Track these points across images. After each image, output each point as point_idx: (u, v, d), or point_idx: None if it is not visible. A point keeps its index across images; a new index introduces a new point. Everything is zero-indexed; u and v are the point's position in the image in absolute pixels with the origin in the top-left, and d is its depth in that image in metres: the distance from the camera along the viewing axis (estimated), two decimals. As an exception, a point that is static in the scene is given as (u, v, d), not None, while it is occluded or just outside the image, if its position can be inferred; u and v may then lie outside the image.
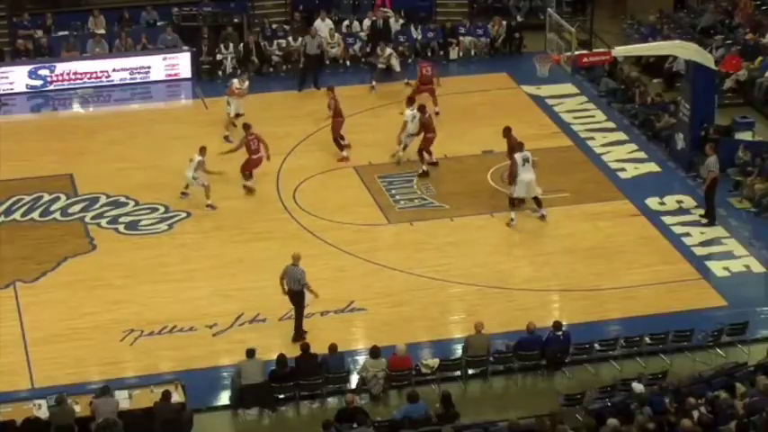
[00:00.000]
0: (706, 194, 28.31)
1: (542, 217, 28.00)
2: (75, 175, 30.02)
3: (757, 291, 26.05)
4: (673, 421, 19.59)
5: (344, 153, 30.62)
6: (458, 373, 23.07)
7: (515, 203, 27.98)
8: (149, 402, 21.22)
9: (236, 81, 32.28)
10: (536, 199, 28.01)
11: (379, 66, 34.98)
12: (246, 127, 29.05)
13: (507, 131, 29.07)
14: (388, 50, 35.10)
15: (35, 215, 28.39)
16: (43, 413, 20.89)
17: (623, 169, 30.61)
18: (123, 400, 21.26)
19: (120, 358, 23.64)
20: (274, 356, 22.42)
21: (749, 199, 28.98)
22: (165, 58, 35.38)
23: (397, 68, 34.88)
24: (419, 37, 37.13)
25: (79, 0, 38.09)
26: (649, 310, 24.95)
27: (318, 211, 28.23)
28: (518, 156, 27.74)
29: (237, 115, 31.72)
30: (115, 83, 35.15)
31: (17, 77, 34.66)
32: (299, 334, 23.86)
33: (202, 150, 28.28)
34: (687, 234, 27.76)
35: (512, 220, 27.89)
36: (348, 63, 36.53)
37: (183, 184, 28.67)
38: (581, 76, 35.19)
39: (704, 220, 28.12)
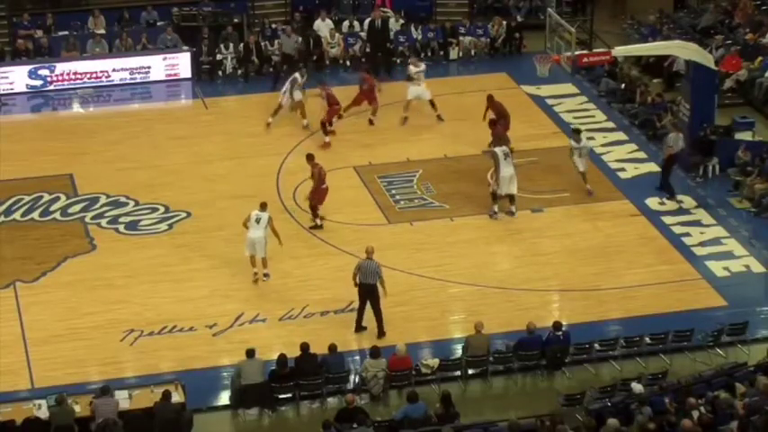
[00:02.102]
0: (662, 169, 28.91)
1: (511, 213, 28.10)
2: (75, 175, 30.02)
3: (757, 291, 26.05)
4: (673, 421, 19.60)
5: (327, 139, 31.03)
6: (458, 373, 23.08)
7: (498, 197, 28.12)
8: (149, 402, 21.22)
9: None
10: (511, 196, 28.07)
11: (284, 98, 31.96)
12: (310, 158, 27.78)
13: (490, 99, 29.12)
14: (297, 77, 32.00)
15: (35, 215, 28.39)
16: (43, 413, 20.90)
17: (623, 169, 30.62)
18: (123, 400, 21.27)
19: (120, 358, 23.64)
20: (274, 356, 22.44)
21: (749, 199, 29.00)
22: (165, 58, 35.37)
23: (298, 97, 31.84)
24: (419, 37, 37.11)
25: (79, 0, 38.10)
26: (649, 310, 24.96)
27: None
28: (499, 150, 27.88)
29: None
30: (115, 83, 35.14)
31: (17, 77, 34.64)
32: (382, 329, 24.03)
33: (264, 206, 25.69)
34: (687, 234, 27.77)
35: (495, 212, 28.02)
36: (348, 63, 36.52)
37: (243, 253, 25.69)
38: (581, 76, 35.19)
39: (666, 200, 28.77)
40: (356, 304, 24.60)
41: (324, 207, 27.80)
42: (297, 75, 31.82)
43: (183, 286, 25.78)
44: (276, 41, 35.77)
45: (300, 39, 35.90)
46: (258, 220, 25.41)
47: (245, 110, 33.85)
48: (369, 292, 23.87)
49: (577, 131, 29.33)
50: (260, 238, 25.42)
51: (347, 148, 31.13)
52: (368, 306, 24.05)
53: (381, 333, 23.99)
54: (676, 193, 29.00)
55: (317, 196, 27.48)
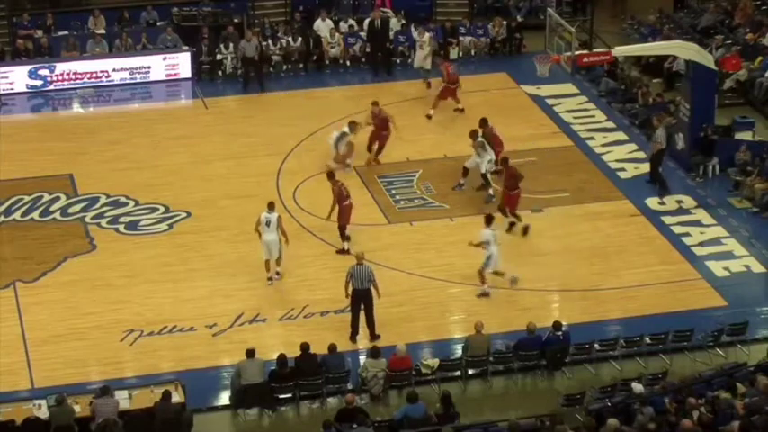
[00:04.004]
0: (651, 165, 29.21)
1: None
2: (75, 175, 30.02)
3: (757, 291, 26.06)
4: (673, 421, 19.60)
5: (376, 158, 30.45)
6: (458, 373, 23.09)
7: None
8: (149, 402, 21.23)
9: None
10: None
11: None
12: (330, 176, 27.18)
13: (483, 123, 29.35)
14: None
15: (35, 215, 28.39)
16: (43, 413, 20.91)
17: (623, 169, 30.62)
18: (123, 400, 21.28)
19: (120, 358, 23.65)
20: (274, 356, 22.44)
21: (749, 199, 29.02)
22: (165, 58, 35.37)
23: (342, 150, 30.16)
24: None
25: (79, 0, 38.10)
26: (649, 310, 24.97)
27: (318, 211, 28.18)
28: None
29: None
30: (115, 83, 35.14)
31: (17, 77, 34.64)
32: (374, 332, 24.02)
33: (272, 206, 25.56)
34: (687, 234, 27.78)
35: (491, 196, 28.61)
36: (348, 63, 36.52)
37: (259, 254, 25.71)
38: (581, 76, 35.18)
39: (663, 198, 28.97)
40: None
41: (324, 208, 27.68)
42: (347, 129, 29.91)
43: (183, 286, 25.78)
44: (239, 45, 35.06)
45: (291, 39, 35.93)
46: (268, 223, 25.35)
47: (245, 110, 33.86)
48: (363, 297, 23.85)
49: (488, 219, 25.69)
50: (274, 241, 25.41)
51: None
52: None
53: (374, 336, 23.98)
54: (672, 191, 29.01)
55: (342, 216, 26.85)
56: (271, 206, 25.61)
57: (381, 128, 30.26)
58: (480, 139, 28.61)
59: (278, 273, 25.84)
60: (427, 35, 34.31)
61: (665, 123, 29.99)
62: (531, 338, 23.18)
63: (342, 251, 26.70)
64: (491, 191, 28.48)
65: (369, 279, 23.82)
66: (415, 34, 34.98)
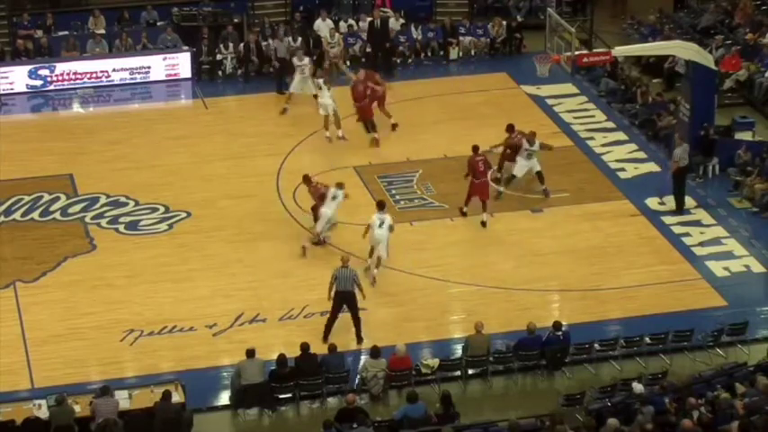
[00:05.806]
0: (674, 184, 28.65)
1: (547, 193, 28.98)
2: (75, 175, 30.02)
3: (757, 291, 26.06)
4: (673, 421, 19.61)
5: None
6: (458, 373, 23.09)
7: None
8: (149, 402, 21.23)
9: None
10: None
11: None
12: (307, 180, 27.29)
13: (510, 129, 29.27)
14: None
15: (35, 215, 28.39)
16: (43, 413, 20.90)
17: (623, 169, 30.63)
18: (123, 400, 21.27)
19: (120, 358, 23.65)
20: (274, 356, 22.44)
21: (749, 199, 29.01)
22: (165, 58, 35.38)
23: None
24: (419, 37, 37.14)
25: (79, 0, 38.11)
26: (649, 310, 24.97)
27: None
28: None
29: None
30: (115, 83, 35.15)
31: (17, 77, 34.64)
32: (360, 335, 24.01)
33: (341, 186, 26.92)
34: (687, 234, 27.78)
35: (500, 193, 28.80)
36: (348, 63, 36.50)
37: (302, 231, 26.95)
38: (581, 76, 35.18)
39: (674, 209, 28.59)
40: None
41: (308, 201, 27.51)
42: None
43: (183, 286, 25.78)
44: (270, 44, 35.37)
45: (291, 39, 35.85)
46: (333, 198, 26.47)
47: (245, 110, 33.87)
48: (346, 298, 23.84)
49: (378, 204, 26.44)
50: (333, 217, 26.72)
51: (347, 147, 31.10)
52: (341, 313, 24.04)
53: (360, 339, 23.98)
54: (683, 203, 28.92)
55: (317, 211, 27.17)
56: (339, 185, 26.89)
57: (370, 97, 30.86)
58: (534, 144, 28.70)
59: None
60: (306, 59, 33.29)
61: (686, 140, 29.40)
62: (531, 338, 23.18)
63: (318, 243, 26.98)
64: (545, 187, 28.75)
65: (353, 281, 23.83)
66: (295, 59, 33.60)
